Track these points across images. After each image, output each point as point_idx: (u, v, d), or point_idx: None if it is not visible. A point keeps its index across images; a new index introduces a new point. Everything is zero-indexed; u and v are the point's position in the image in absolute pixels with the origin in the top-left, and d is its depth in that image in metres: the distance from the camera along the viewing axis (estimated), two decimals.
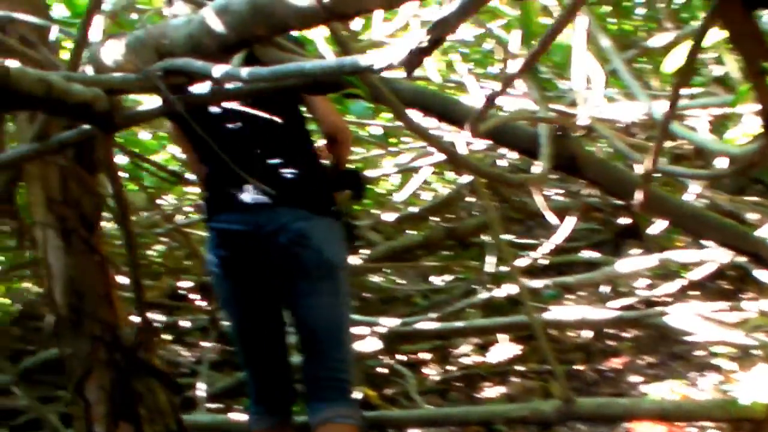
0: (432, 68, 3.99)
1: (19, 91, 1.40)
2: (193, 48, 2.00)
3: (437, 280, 6.40)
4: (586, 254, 6.15)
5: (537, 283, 5.01)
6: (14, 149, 2.38)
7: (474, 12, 1.33)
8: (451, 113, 2.28)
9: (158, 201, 5.56)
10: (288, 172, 2.94)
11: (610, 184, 2.20)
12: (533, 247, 5.66)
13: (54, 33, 2.49)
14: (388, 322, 4.50)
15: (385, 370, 4.94)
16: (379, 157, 5.51)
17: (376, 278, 6.08)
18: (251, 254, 2.92)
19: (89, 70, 2.46)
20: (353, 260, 5.41)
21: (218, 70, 1.84)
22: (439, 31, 1.33)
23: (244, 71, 1.77)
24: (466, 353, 5.24)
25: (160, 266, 5.79)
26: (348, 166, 3.21)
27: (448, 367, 5.13)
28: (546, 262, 5.80)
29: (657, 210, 2.15)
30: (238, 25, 1.85)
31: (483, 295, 4.93)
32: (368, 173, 5.35)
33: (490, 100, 1.67)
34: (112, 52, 2.36)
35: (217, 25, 1.90)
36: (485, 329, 4.74)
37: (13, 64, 1.53)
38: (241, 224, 2.92)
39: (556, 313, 4.49)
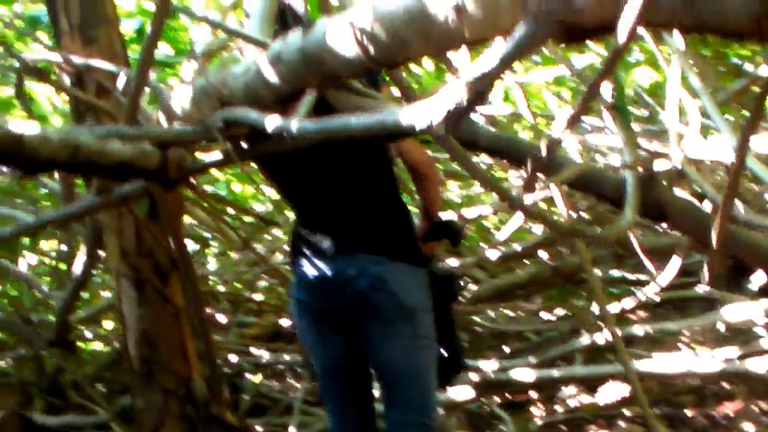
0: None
1: (35, 157, 1.33)
2: (252, 98, 1.93)
3: (547, 316, 6.19)
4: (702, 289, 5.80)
5: (640, 329, 4.76)
6: (78, 203, 2.34)
7: (511, 65, 1.18)
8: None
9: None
10: (369, 217, 2.88)
11: (696, 231, 2.02)
12: (646, 283, 5.38)
13: (122, 79, 2.44)
14: (486, 366, 4.35)
15: (485, 412, 4.77)
16: (482, 194, 5.35)
17: (479, 317, 5.91)
18: (330, 300, 2.88)
19: (162, 118, 2.42)
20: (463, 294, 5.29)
21: (270, 123, 1.74)
22: (480, 87, 1.19)
23: (294, 125, 1.67)
24: (572, 394, 5.01)
25: (263, 304, 5.78)
26: (441, 214, 3.13)
27: (555, 407, 4.91)
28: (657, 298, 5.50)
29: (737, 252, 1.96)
30: (290, 75, 1.76)
31: (585, 339, 4.72)
32: (470, 210, 5.21)
33: (550, 147, 1.51)
34: (181, 99, 2.30)
35: (271, 76, 1.81)
36: (581, 378, 4.53)
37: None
38: (321, 269, 2.88)
39: (659, 362, 4.25)
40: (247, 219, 4.59)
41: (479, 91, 1.19)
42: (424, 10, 1.35)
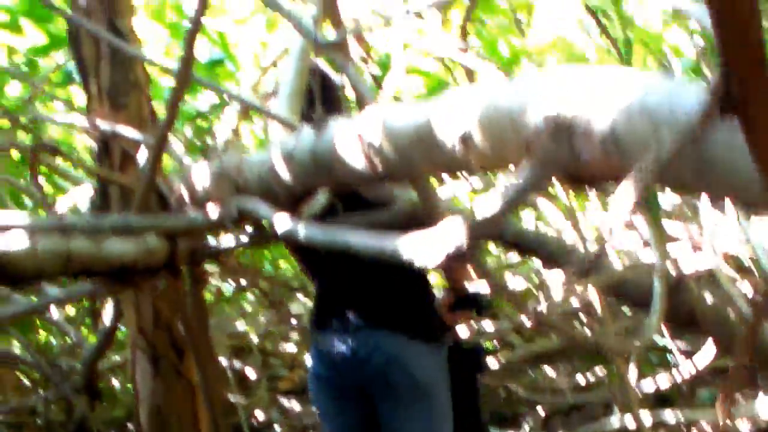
0: None
1: (20, 274, 1.28)
2: (265, 191, 1.88)
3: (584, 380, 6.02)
4: None
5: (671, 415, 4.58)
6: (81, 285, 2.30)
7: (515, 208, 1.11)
8: (557, 257, 2.08)
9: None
10: (390, 294, 2.83)
11: (724, 341, 1.93)
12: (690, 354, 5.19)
13: (142, 153, 2.40)
14: None
15: None
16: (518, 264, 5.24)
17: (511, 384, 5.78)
18: (347, 375, 2.83)
19: (184, 193, 2.38)
20: (493, 362, 5.17)
21: (280, 223, 1.69)
22: (480, 232, 1.11)
23: (302, 230, 1.61)
24: None
25: (295, 359, 5.73)
26: (468, 286, 3.05)
27: None
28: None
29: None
30: (301, 175, 1.71)
31: (614, 420, 4.56)
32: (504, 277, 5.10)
33: (599, 255, 1.45)
34: (201, 176, 2.26)
35: (284, 173, 1.76)
36: None
37: None
38: (340, 344, 2.83)
39: None
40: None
41: (479, 237, 1.12)
42: (432, 135, 1.28)
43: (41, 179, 3.00)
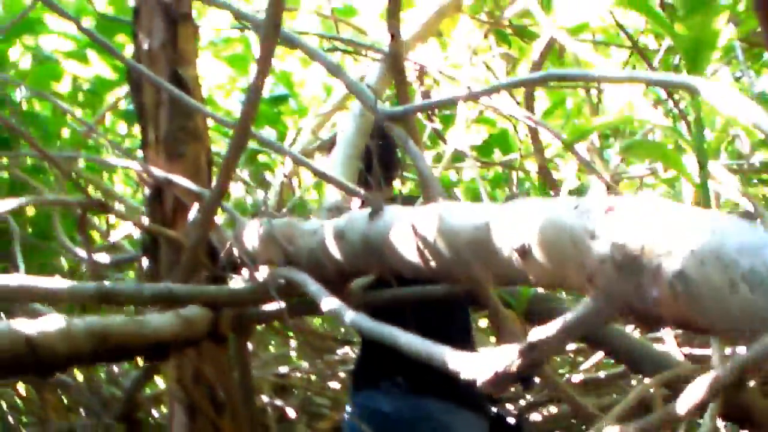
0: None
1: (51, 359, 1.24)
2: (314, 264, 1.83)
3: None
4: None
5: None
6: None
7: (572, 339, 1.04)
8: (641, 364, 2.00)
9: None
10: None
11: None
12: None
13: (195, 209, 2.37)
14: None
15: None
16: None
17: None
18: None
19: (234, 248, 2.35)
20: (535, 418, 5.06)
21: (327, 304, 1.63)
22: (535, 358, 1.05)
23: (348, 316, 1.55)
24: None
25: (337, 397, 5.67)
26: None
27: None
28: None
29: None
30: (351, 256, 1.66)
31: None
32: None
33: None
34: (252, 235, 2.23)
35: (334, 251, 1.71)
36: None
37: None
38: (385, 405, 2.74)
39: None
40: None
41: (534, 361, 1.06)
42: (491, 240, 1.22)
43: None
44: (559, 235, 1.10)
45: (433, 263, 1.37)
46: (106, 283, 1.60)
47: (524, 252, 1.15)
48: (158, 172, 2.58)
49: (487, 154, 4.20)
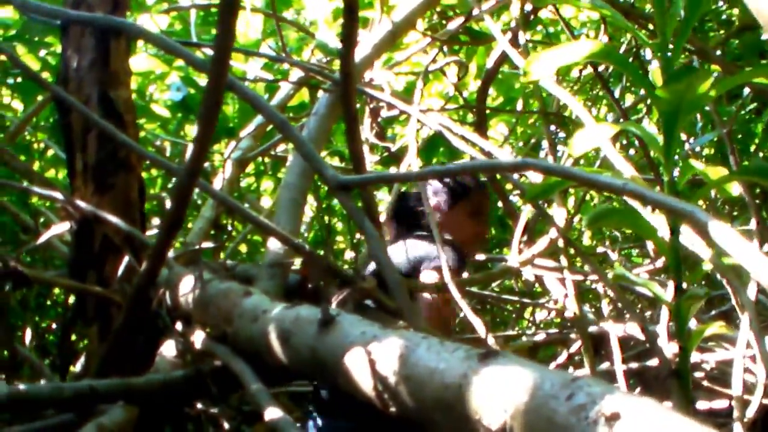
0: None
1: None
2: (253, 353, 1.64)
3: None
4: None
5: None
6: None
7: None
8: None
9: None
10: None
11: None
12: None
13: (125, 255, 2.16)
14: None
15: None
16: None
17: None
18: None
19: (167, 298, 2.15)
20: None
21: (270, 414, 1.45)
22: None
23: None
24: None
25: None
26: None
27: None
28: None
29: None
30: (297, 363, 1.49)
31: None
32: None
33: None
34: (186, 289, 2.03)
35: (278, 351, 1.52)
36: None
37: None
38: None
39: None
40: None
41: None
42: (463, 406, 1.05)
43: None
44: (540, 412, 0.94)
45: (393, 408, 1.19)
46: (21, 386, 1.39)
47: None
48: (84, 205, 2.35)
49: None
